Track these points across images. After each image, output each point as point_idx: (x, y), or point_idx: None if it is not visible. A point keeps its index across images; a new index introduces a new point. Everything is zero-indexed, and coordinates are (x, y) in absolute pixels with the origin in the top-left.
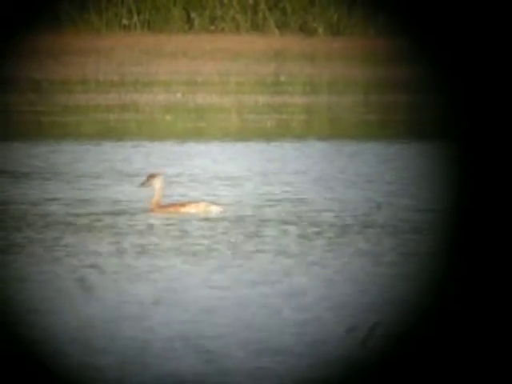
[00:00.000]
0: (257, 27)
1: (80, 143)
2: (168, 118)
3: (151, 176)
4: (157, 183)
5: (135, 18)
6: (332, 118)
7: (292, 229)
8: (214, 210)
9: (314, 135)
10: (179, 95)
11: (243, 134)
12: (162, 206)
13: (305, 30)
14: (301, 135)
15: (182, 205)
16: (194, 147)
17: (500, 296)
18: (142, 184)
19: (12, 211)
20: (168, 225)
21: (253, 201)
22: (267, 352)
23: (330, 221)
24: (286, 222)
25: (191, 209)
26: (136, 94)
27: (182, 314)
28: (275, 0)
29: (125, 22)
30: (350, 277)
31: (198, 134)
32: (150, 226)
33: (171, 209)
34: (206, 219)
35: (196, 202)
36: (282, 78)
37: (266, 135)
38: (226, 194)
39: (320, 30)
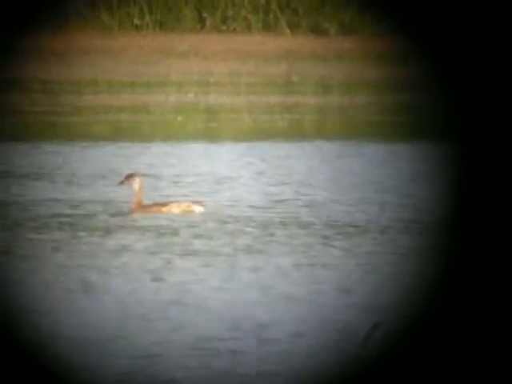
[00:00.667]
0: (268, 27)
1: (90, 144)
2: (179, 118)
3: (129, 176)
4: (135, 183)
5: (147, 17)
6: (344, 119)
7: (293, 230)
8: (197, 209)
9: (326, 136)
10: (191, 95)
11: (255, 135)
12: (143, 206)
13: (316, 30)
14: (312, 136)
15: (164, 205)
16: (205, 148)
17: (500, 296)
18: (120, 184)
19: (11, 212)
20: (151, 225)
21: (256, 202)
22: (267, 352)
23: (334, 221)
24: (287, 223)
25: (173, 209)
26: (147, 95)
27: (183, 313)
28: (287, 0)
29: (136, 21)
30: (350, 276)
31: (209, 135)
32: (133, 226)
33: (153, 209)
34: (194, 219)
35: (178, 201)
36: (294, 79)
37: (278, 136)
38: (228, 194)
39: (331, 30)
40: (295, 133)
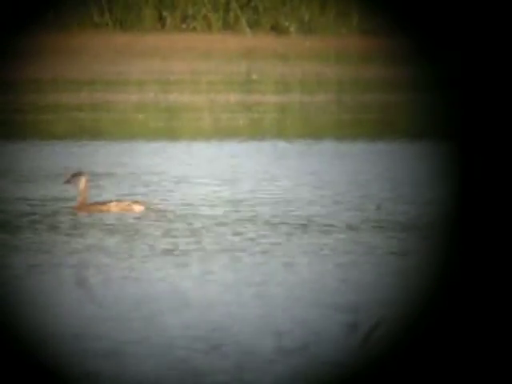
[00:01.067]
0: (228, 26)
1: (51, 142)
2: (140, 117)
3: (75, 175)
4: (80, 182)
5: (107, 16)
6: (304, 118)
7: (252, 228)
8: (137, 208)
9: (286, 134)
10: (151, 94)
11: (215, 133)
12: (86, 205)
13: (277, 28)
14: (273, 134)
15: (104, 204)
16: (165, 146)
17: (500, 295)
18: (66, 182)
19: None
20: (95, 222)
21: (206, 200)
22: (266, 352)
23: (290, 219)
24: (244, 222)
25: (113, 207)
26: (108, 93)
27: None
28: None
29: (97, 20)
30: (349, 277)
31: (169, 134)
32: (78, 225)
33: (94, 208)
34: (134, 218)
35: (119, 200)
36: (254, 77)
37: (239, 134)
38: (181, 193)
39: (292, 28)
40: (256, 131)
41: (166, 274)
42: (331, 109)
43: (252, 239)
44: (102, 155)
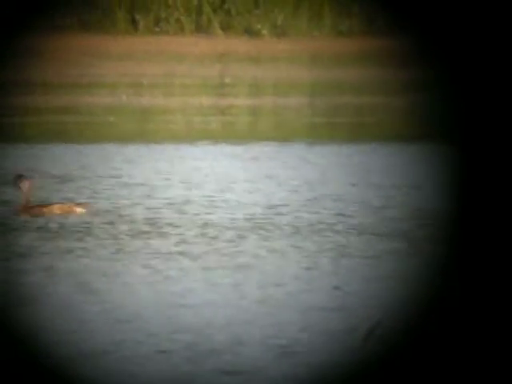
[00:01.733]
0: (201, 29)
1: (21, 146)
2: (113, 120)
3: (18, 177)
4: (24, 185)
5: (80, 19)
6: (277, 120)
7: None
8: (78, 211)
9: (260, 137)
10: (124, 97)
11: (188, 136)
12: (28, 208)
13: (249, 31)
14: (246, 137)
15: (47, 206)
16: (137, 149)
17: (500, 295)
18: (11, 185)
19: None
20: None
21: (152, 203)
22: (267, 352)
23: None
24: (204, 224)
25: (55, 210)
26: (81, 96)
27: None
28: (219, 2)
29: (69, 23)
30: (349, 277)
31: (142, 136)
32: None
33: (36, 210)
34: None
35: (60, 203)
36: (227, 80)
37: (212, 137)
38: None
39: (264, 31)
40: (229, 134)
41: (148, 277)
42: (304, 112)
43: (232, 241)
44: (70, 158)
